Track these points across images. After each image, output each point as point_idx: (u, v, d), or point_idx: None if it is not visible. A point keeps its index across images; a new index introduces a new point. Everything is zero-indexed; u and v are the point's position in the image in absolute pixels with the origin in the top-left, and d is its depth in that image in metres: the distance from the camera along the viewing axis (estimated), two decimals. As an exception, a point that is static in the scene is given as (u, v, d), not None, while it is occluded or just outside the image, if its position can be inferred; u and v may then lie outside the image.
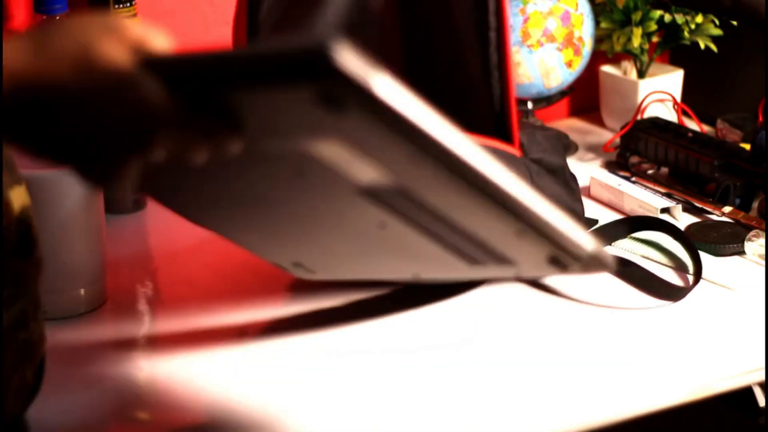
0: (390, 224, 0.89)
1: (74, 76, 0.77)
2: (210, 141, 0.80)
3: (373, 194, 0.85)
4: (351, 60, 0.70)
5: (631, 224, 1.42)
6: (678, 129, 1.60)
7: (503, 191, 0.82)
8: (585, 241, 0.91)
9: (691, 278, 1.32)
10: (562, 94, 1.72)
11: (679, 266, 1.35)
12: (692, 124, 1.69)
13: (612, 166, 1.63)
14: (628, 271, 1.29)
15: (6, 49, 0.78)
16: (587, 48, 1.66)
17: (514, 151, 1.25)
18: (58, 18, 0.80)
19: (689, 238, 1.38)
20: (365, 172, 0.81)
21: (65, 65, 0.77)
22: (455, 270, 0.99)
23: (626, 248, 1.39)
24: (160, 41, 0.80)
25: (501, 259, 0.94)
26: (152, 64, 0.78)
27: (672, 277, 1.33)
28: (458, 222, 0.87)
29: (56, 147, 0.79)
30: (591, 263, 0.93)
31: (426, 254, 0.94)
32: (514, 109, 1.22)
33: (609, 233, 1.40)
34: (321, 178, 0.83)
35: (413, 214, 0.87)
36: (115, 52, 0.78)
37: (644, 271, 1.30)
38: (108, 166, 0.80)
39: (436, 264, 0.98)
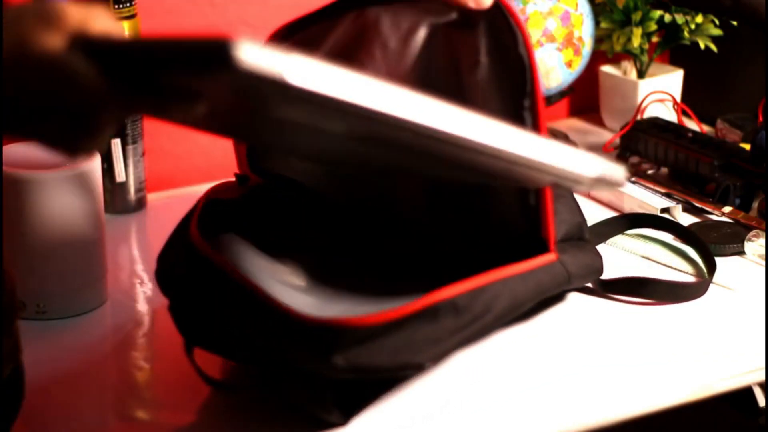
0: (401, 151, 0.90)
1: (14, 72, 0.79)
2: (166, 109, 0.82)
3: (359, 139, 0.85)
4: (253, 56, 0.72)
5: (633, 221, 1.42)
6: (678, 129, 1.60)
7: (464, 140, 0.82)
8: (584, 169, 0.91)
9: (704, 273, 1.33)
10: (562, 94, 1.72)
11: (679, 264, 1.35)
12: (692, 124, 1.69)
13: (612, 166, 1.63)
14: (647, 291, 1.28)
15: None
16: (587, 48, 1.66)
17: (551, 257, 1.19)
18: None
19: (695, 234, 1.38)
20: (333, 126, 0.81)
21: (6, 64, 0.80)
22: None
23: (626, 248, 1.39)
24: (101, 22, 0.82)
25: (517, 180, 0.94)
26: (84, 47, 0.79)
27: (671, 274, 1.33)
28: (448, 157, 0.87)
29: (17, 125, 0.82)
30: (598, 184, 0.94)
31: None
32: (550, 207, 1.17)
33: (609, 229, 1.41)
34: (305, 129, 0.84)
35: (405, 151, 0.88)
36: (47, 40, 0.79)
37: (663, 283, 1.29)
38: (64, 138, 0.83)
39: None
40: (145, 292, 1.32)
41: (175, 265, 1.13)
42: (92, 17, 0.82)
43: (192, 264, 1.11)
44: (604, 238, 1.40)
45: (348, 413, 1.06)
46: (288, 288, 1.17)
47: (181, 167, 1.61)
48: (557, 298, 1.25)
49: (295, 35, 1.20)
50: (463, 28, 1.15)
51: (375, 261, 1.25)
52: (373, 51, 1.19)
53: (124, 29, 0.84)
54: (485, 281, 1.10)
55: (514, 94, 1.13)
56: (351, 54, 1.19)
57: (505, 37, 1.13)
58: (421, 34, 1.18)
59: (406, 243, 1.26)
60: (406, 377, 1.10)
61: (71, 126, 0.82)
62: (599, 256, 1.27)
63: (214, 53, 0.72)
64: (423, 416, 1.08)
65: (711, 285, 1.30)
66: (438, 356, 1.07)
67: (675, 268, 1.35)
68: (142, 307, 1.29)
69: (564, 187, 1.25)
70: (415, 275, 1.15)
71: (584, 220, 1.27)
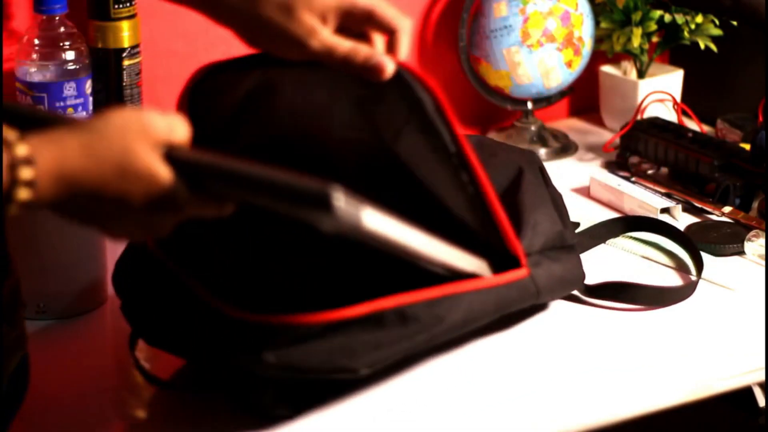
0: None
1: (116, 177, 0.88)
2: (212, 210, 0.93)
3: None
4: (345, 203, 0.88)
5: (626, 224, 1.42)
6: (678, 129, 1.60)
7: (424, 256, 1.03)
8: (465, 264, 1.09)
9: (693, 275, 1.32)
10: (562, 94, 1.72)
11: (679, 265, 1.35)
12: (692, 124, 1.68)
13: (612, 166, 1.63)
14: (632, 295, 1.27)
15: (57, 147, 0.88)
16: (587, 48, 1.66)
17: (521, 272, 1.17)
18: (100, 116, 0.91)
19: (685, 235, 1.38)
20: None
21: (110, 169, 0.88)
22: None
23: (625, 248, 1.39)
24: (180, 132, 0.90)
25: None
26: (176, 161, 0.90)
27: (671, 275, 1.33)
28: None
29: (92, 221, 0.91)
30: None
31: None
32: (507, 228, 1.14)
33: (604, 232, 1.40)
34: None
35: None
36: (147, 156, 0.89)
37: (648, 288, 1.28)
38: (134, 235, 0.93)
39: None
40: (145, 292, 1.32)
41: (128, 264, 1.16)
42: (174, 128, 0.90)
43: (141, 261, 1.13)
44: (600, 239, 1.40)
45: (294, 406, 1.06)
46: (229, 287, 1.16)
47: (181, 167, 1.61)
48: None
49: (206, 82, 1.18)
50: (373, 99, 1.13)
51: (324, 265, 1.22)
52: (281, 114, 1.17)
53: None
54: (438, 293, 1.09)
55: (443, 156, 1.11)
56: (255, 114, 1.17)
57: (415, 104, 1.09)
58: (335, 106, 1.15)
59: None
60: (342, 380, 1.08)
61: (143, 227, 0.91)
62: (579, 267, 1.25)
63: (319, 200, 0.87)
64: (423, 416, 1.08)
65: (711, 285, 1.31)
66: (377, 362, 1.06)
67: (668, 266, 1.35)
68: (142, 307, 1.29)
69: (543, 195, 1.26)
70: (371, 279, 1.13)
71: (566, 226, 1.26)
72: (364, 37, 1.08)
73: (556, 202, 1.28)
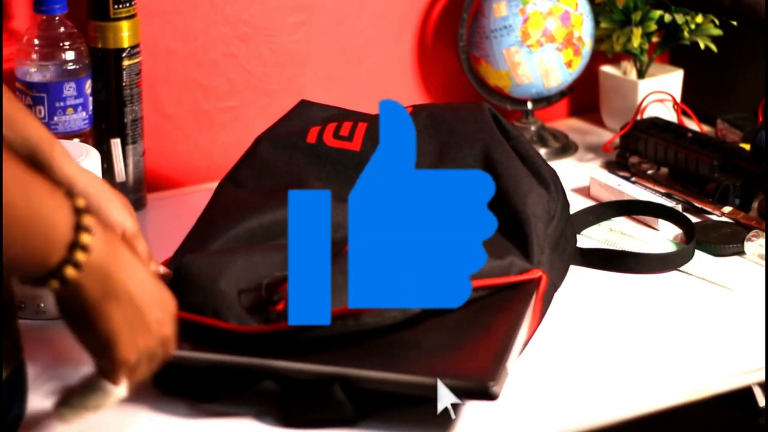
0: None
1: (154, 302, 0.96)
2: None
3: None
4: (499, 385, 1.04)
5: (615, 208, 1.45)
6: (678, 129, 1.60)
7: None
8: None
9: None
10: (562, 94, 1.72)
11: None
12: (692, 124, 1.69)
13: (612, 166, 1.63)
14: (626, 264, 1.30)
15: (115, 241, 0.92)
16: (587, 48, 1.66)
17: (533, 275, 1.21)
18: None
19: (673, 210, 1.42)
20: None
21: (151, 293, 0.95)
22: None
23: (603, 240, 1.40)
24: None
25: None
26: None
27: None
28: None
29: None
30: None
31: None
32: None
33: (585, 219, 1.42)
34: None
35: None
36: None
37: (654, 257, 1.32)
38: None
39: None
40: (144, 292, 1.32)
41: None
42: None
43: None
44: (581, 227, 1.41)
45: (361, 410, 1.07)
46: None
47: (181, 167, 1.61)
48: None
49: None
50: None
51: None
52: None
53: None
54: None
55: None
56: None
57: None
58: None
59: None
60: None
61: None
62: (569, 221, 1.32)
63: (481, 393, 1.04)
64: (422, 415, 1.08)
65: (711, 285, 1.31)
66: None
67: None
68: (142, 307, 1.29)
69: (519, 170, 1.27)
70: None
71: (548, 186, 1.28)
72: None
73: (527, 161, 1.30)
